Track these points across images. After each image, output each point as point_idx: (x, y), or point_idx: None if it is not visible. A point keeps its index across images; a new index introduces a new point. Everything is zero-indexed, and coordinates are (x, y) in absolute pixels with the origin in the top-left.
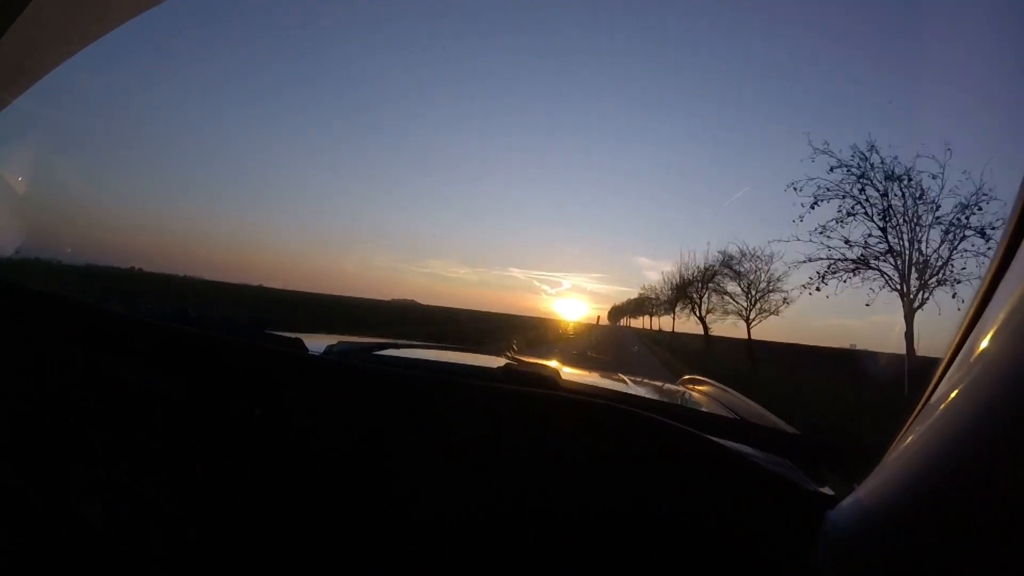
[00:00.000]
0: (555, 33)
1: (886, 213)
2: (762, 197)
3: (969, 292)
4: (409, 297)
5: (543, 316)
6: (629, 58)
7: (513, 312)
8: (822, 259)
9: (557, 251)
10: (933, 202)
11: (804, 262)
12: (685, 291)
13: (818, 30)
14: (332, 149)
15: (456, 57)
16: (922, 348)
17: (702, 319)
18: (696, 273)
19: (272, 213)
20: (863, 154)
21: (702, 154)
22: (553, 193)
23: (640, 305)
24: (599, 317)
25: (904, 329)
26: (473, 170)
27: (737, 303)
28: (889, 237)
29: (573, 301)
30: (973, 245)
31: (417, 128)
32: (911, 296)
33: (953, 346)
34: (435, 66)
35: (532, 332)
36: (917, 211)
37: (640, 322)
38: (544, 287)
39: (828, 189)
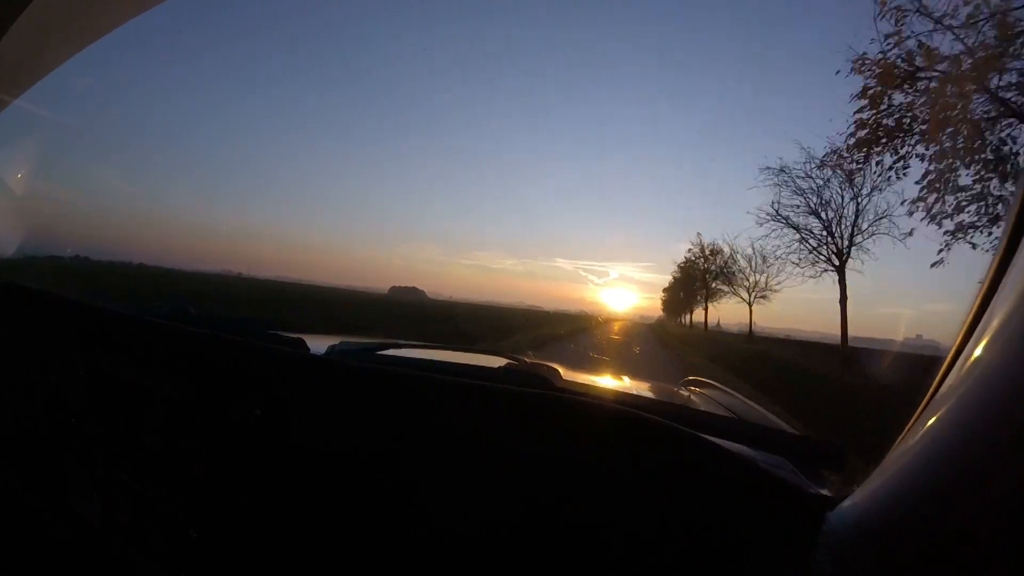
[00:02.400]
0: (597, 17)
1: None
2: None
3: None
4: (410, 284)
5: (571, 311)
6: (670, 42)
7: (541, 306)
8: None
9: (603, 240)
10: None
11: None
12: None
13: None
14: (379, 154)
15: (494, 48)
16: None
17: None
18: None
19: (301, 212)
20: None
21: (747, 137)
22: (598, 182)
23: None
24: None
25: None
26: (517, 162)
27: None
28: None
29: (621, 291)
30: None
31: (460, 125)
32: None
33: (955, 346)
34: (475, 59)
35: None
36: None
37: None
38: (591, 277)
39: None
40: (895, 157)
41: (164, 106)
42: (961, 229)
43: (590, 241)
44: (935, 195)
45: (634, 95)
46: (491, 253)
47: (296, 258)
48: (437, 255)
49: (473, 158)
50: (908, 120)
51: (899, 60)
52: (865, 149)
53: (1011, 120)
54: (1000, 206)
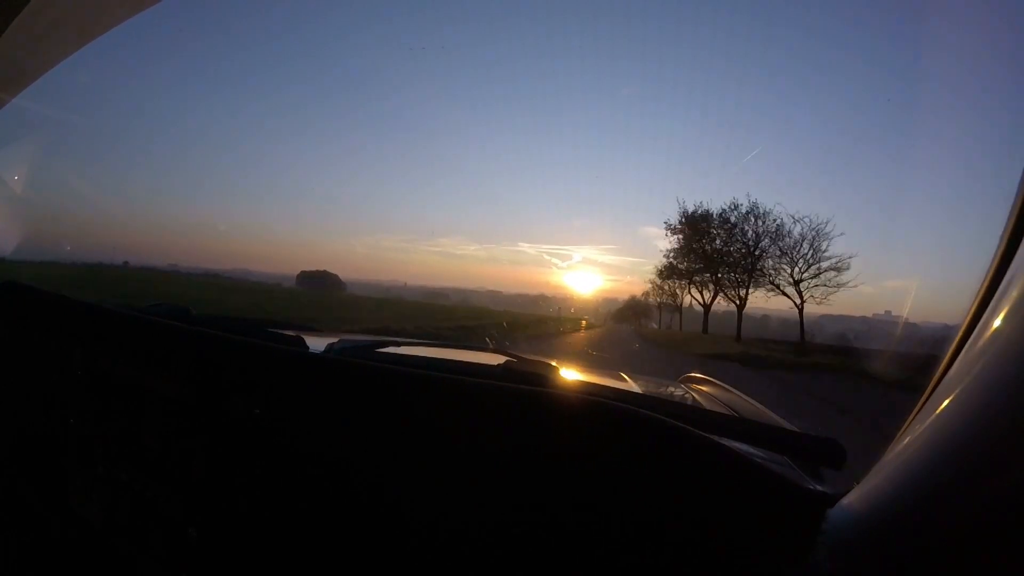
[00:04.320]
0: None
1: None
2: (776, 158)
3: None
4: (322, 268)
5: (531, 294)
6: (622, 25)
7: (501, 291)
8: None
9: (566, 224)
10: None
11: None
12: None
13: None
14: (334, 139)
15: (447, 30)
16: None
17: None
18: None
19: (278, 205)
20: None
21: (707, 117)
22: (557, 165)
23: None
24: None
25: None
26: (476, 145)
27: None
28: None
29: (585, 274)
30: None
31: (416, 109)
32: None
33: (955, 344)
34: (433, 49)
35: None
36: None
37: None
38: (555, 261)
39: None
40: None
41: (146, 104)
42: None
43: (553, 225)
44: None
45: (590, 78)
46: (455, 240)
47: (219, 247)
48: (400, 243)
49: (440, 149)
50: None
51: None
52: None
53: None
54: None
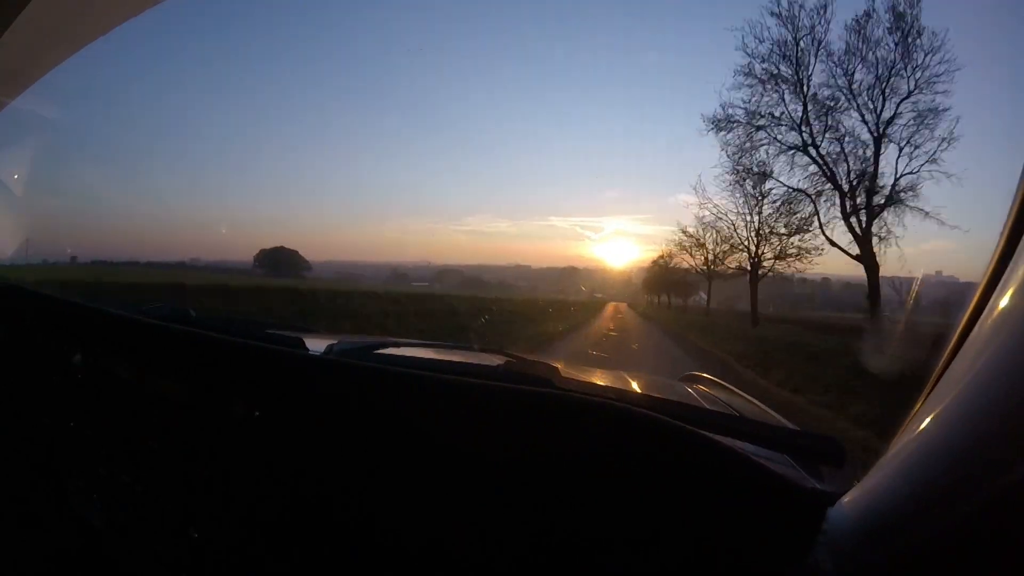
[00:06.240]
0: None
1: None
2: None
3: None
4: (287, 246)
5: (559, 267)
6: None
7: (530, 265)
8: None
9: (598, 195)
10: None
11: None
12: None
13: None
14: (357, 124)
15: (469, 7)
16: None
17: None
18: None
19: (292, 198)
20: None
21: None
22: (588, 136)
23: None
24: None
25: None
26: (506, 123)
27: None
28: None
29: (619, 245)
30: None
31: (436, 88)
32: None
33: (956, 337)
34: (451, 19)
35: None
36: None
37: None
38: (587, 233)
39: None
40: None
41: (147, 104)
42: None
43: (585, 197)
44: None
45: (615, 46)
46: (483, 217)
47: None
48: (429, 224)
49: (468, 128)
50: None
51: None
52: None
53: None
54: None
